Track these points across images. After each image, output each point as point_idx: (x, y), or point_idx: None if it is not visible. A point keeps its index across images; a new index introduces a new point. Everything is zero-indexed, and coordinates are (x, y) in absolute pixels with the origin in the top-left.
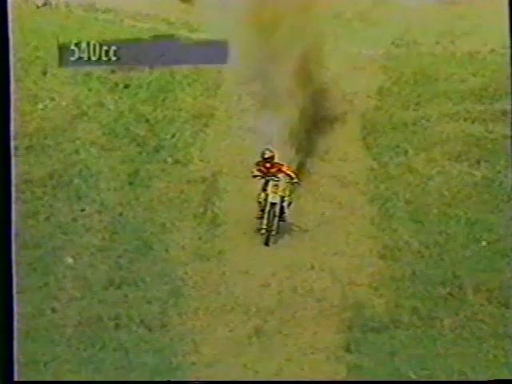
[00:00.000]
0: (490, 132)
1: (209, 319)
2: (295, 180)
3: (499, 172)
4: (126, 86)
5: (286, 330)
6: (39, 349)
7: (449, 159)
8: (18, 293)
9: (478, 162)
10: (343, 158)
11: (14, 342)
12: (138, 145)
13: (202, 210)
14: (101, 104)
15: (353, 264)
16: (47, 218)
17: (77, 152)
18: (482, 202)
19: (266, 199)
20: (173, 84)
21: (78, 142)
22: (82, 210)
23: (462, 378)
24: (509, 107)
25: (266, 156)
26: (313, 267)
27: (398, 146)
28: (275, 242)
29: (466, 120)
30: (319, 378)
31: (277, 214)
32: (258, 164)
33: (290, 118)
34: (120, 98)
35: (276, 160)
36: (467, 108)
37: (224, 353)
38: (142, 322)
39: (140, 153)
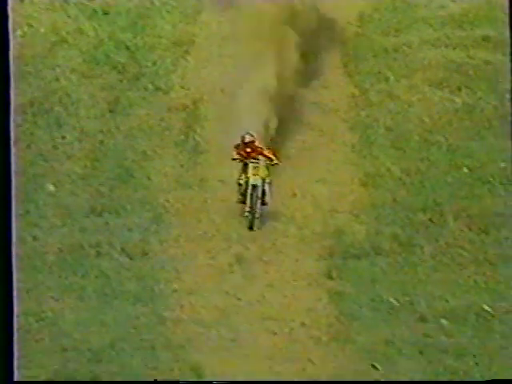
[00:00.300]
0: (471, 58)
1: (190, 246)
2: (275, 161)
3: (480, 98)
4: (105, 13)
5: (268, 256)
6: (21, 276)
7: (430, 86)
8: None
9: (459, 89)
10: (324, 85)
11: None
12: (119, 72)
13: (183, 137)
14: (80, 31)
15: (334, 191)
16: (28, 146)
17: (57, 79)
18: (463, 129)
19: (247, 182)
20: (152, 11)
21: (57, 70)
22: (63, 138)
23: (443, 304)
24: (491, 33)
25: (247, 140)
26: (294, 194)
27: (379, 73)
28: None
29: (446, 46)
30: (301, 304)
31: (259, 196)
32: (237, 147)
33: (271, 46)
34: (99, 25)
35: (257, 144)
36: (448, 34)
37: (205, 280)
38: (123, 249)
39: (120, 80)
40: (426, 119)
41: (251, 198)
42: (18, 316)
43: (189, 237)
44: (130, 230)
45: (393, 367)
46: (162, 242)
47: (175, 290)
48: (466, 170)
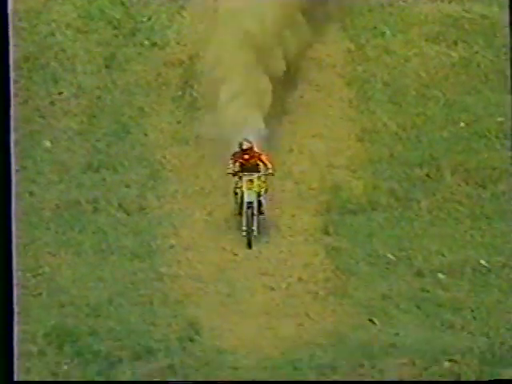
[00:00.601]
0: (467, 12)
1: (187, 202)
2: (270, 171)
3: (477, 52)
4: None
5: (264, 212)
6: (19, 232)
7: (426, 40)
8: None
9: (456, 43)
10: (320, 41)
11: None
12: (114, 28)
13: (180, 93)
14: None
15: (331, 146)
16: (24, 102)
17: (52, 34)
18: (460, 83)
19: (242, 196)
20: None
21: (53, 25)
22: (60, 94)
23: (440, 259)
24: None
25: (245, 147)
26: (291, 150)
27: (375, 28)
28: None
29: (442, 0)
30: (298, 259)
31: (255, 212)
32: (234, 155)
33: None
34: None
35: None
36: None
37: (203, 235)
38: (120, 205)
39: (116, 36)
40: (423, 74)
41: (247, 216)
42: (16, 271)
43: (186, 193)
44: (127, 185)
45: (390, 321)
46: (159, 198)
47: (172, 246)
48: (462, 124)
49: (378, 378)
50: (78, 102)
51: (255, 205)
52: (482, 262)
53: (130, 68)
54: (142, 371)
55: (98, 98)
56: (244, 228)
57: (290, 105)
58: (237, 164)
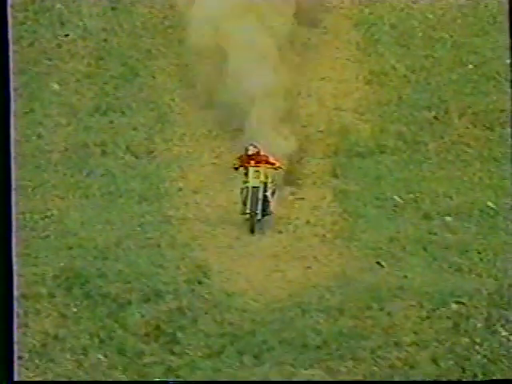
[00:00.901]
0: None
1: (195, 145)
2: (277, 165)
3: None
4: None
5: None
6: (26, 174)
7: None
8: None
9: None
10: None
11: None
12: None
13: (186, 35)
14: None
15: (339, 89)
16: (31, 44)
17: None
18: (468, 25)
19: (247, 186)
20: None
21: None
22: (66, 36)
23: (447, 201)
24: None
25: (250, 153)
26: (299, 93)
27: None
28: None
29: None
30: (305, 202)
31: (260, 198)
32: (240, 159)
33: None
34: None
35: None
36: None
37: (210, 178)
38: (128, 148)
39: None
40: (430, 15)
41: (251, 200)
42: (23, 213)
43: (194, 136)
44: (134, 128)
45: (397, 264)
46: (166, 141)
47: (180, 189)
48: (470, 66)
49: (385, 320)
50: (84, 45)
51: (261, 191)
52: (490, 204)
53: (135, 10)
54: (151, 313)
55: (105, 40)
56: (247, 211)
57: (297, 47)
58: (242, 169)
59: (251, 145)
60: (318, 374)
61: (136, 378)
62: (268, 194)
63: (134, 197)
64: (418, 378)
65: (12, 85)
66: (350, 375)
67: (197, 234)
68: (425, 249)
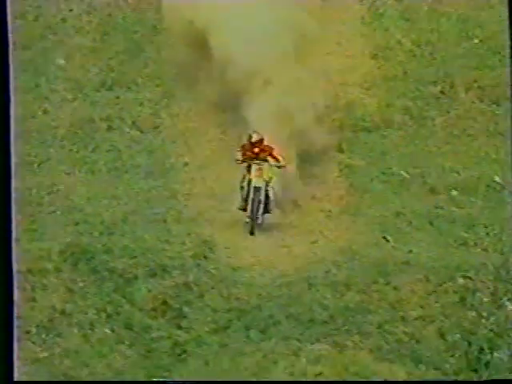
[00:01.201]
0: None
1: (201, 120)
2: (281, 163)
3: None
4: None
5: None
6: (32, 150)
7: None
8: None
9: None
10: None
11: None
12: None
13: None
14: None
15: (344, 64)
16: (35, 19)
17: None
18: None
19: (249, 184)
20: None
21: None
22: (71, 11)
23: (453, 176)
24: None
25: (254, 140)
26: (304, 68)
27: None
28: None
29: None
30: (311, 177)
31: (262, 200)
32: (243, 147)
33: None
34: None
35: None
36: None
37: (216, 153)
38: (134, 123)
39: None
40: None
41: (252, 202)
42: (29, 189)
43: (199, 111)
44: (140, 104)
45: (403, 239)
46: (172, 116)
47: (186, 164)
48: (476, 40)
49: (392, 294)
50: (89, 20)
51: (263, 193)
52: (496, 178)
53: None
54: (158, 288)
55: (109, 15)
56: (248, 214)
57: (302, 24)
58: (245, 157)
59: (255, 132)
60: (324, 349)
61: (143, 352)
62: (270, 192)
63: (140, 172)
64: (425, 353)
65: (13, 61)
66: (357, 350)
67: (203, 209)
68: (431, 223)
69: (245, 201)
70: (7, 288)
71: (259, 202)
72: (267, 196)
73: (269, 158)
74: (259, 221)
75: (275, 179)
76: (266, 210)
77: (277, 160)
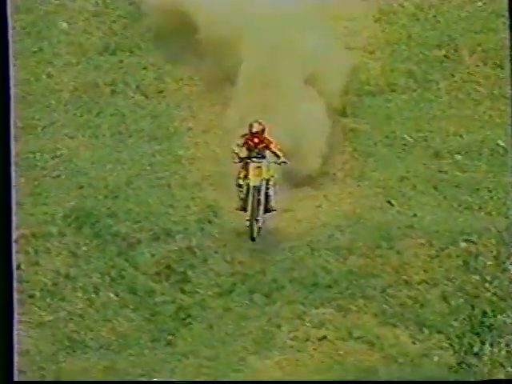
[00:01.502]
0: None
1: (205, 85)
2: (282, 160)
3: None
4: None
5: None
6: (36, 114)
7: None
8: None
9: None
10: None
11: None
12: None
13: None
14: None
15: (348, 28)
16: None
17: None
18: None
19: (247, 184)
20: None
21: None
22: None
23: (457, 140)
24: None
25: (255, 130)
26: (307, 30)
27: None
28: None
29: None
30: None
31: (261, 201)
32: (244, 136)
33: None
34: None
35: (266, 133)
36: None
37: (220, 118)
38: (137, 87)
39: None
40: None
41: (252, 203)
42: (33, 153)
43: (203, 75)
44: (144, 68)
45: (407, 203)
46: (177, 81)
47: (190, 129)
48: (479, 3)
49: (395, 259)
50: None
51: (262, 193)
52: (500, 142)
53: None
54: (161, 253)
55: None
56: (247, 218)
57: None
58: (244, 148)
59: (256, 121)
60: (328, 313)
61: (147, 316)
62: (270, 190)
63: (144, 136)
64: (428, 317)
65: (15, 25)
66: (360, 314)
67: (207, 173)
68: (435, 187)
69: (243, 200)
70: (7, 254)
71: (259, 202)
72: (267, 195)
73: (267, 154)
74: (260, 223)
75: (276, 177)
76: (267, 209)
77: (276, 155)
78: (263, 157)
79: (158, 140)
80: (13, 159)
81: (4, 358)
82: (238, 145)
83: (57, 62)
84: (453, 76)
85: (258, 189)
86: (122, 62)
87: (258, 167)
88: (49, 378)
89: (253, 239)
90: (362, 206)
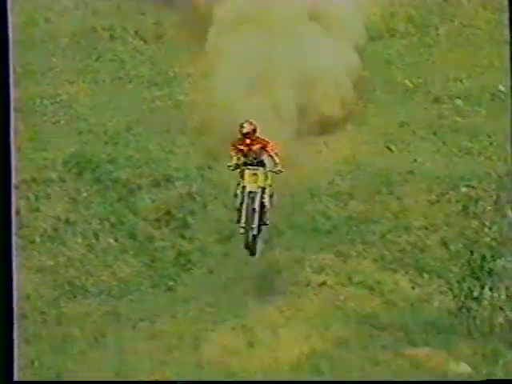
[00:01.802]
0: None
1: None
2: (278, 168)
3: None
4: None
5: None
6: (35, 59)
7: None
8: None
9: None
10: None
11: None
12: None
13: None
14: None
15: None
16: None
17: None
18: None
19: (242, 191)
20: None
21: None
22: None
23: (457, 85)
24: None
25: (245, 131)
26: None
27: None
28: None
29: None
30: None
31: (256, 209)
32: (235, 145)
33: None
34: None
35: (258, 133)
36: None
37: (221, 63)
38: (136, 32)
39: None
40: None
41: (246, 211)
42: (32, 98)
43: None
44: (142, 13)
45: (407, 148)
46: (176, 26)
47: (189, 74)
48: None
49: (395, 204)
50: None
51: (257, 200)
52: (501, 87)
53: None
54: (161, 198)
55: None
56: (242, 225)
57: None
58: (239, 154)
59: (247, 121)
60: (328, 258)
61: (147, 262)
62: (266, 200)
63: (144, 82)
64: (428, 262)
65: None
66: (360, 259)
67: (207, 119)
68: (435, 133)
69: (239, 210)
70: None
71: (253, 209)
72: (263, 205)
73: (265, 159)
74: (254, 231)
75: (274, 186)
76: (262, 222)
77: (273, 159)
78: (261, 163)
79: (157, 85)
80: (12, 105)
81: (4, 358)
82: (233, 153)
83: (55, 6)
84: (452, 21)
85: (252, 196)
86: (119, 7)
87: (254, 174)
88: (50, 323)
89: (249, 249)
90: (362, 151)
